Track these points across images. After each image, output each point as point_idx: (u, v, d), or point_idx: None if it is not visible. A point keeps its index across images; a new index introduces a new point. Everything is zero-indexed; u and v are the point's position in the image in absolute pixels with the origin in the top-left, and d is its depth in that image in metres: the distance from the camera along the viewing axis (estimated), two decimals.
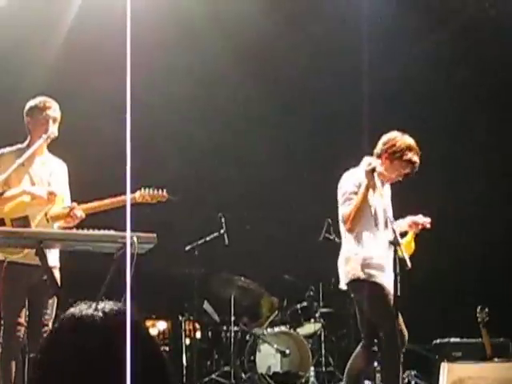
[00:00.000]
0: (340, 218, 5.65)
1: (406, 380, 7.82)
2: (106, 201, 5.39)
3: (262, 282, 8.67)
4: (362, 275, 5.52)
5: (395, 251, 5.23)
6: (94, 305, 1.69)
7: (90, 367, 1.58)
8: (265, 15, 8.45)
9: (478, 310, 7.45)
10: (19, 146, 5.49)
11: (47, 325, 5.25)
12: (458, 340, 7.96)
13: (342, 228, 5.71)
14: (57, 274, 5.30)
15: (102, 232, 4.72)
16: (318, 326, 8.42)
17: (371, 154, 5.71)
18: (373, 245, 5.56)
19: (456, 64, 9.05)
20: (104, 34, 7.34)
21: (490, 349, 7.37)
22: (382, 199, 5.53)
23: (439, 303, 8.97)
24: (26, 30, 8.05)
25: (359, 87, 9.02)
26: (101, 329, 1.64)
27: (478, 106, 9.14)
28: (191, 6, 8.16)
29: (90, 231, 4.74)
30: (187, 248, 8.23)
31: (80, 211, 5.36)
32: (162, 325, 8.83)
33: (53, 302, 5.26)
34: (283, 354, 8.02)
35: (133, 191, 5.47)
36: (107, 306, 1.69)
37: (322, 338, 8.32)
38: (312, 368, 8.09)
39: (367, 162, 5.49)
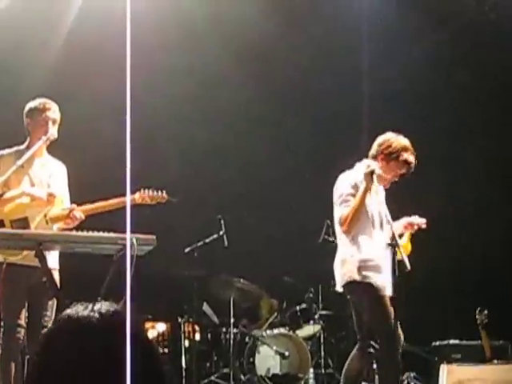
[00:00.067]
0: (337, 219, 5.65)
1: (406, 382, 7.82)
2: (106, 202, 5.39)
3: (261, 284, 8.67)
4: (358, 277, 5.52)
5: (394, 253, 5.24)
6: (90, 306, 1.69)
7: (86, 368, 1.57)
8: (265, 16, 8.46)
9: (477, 312, 7.46)
10: (18, 147, 5.49)
11: (47, 326, 5.24)
12: (457, 342, 7.96)
13: (338, 230, 5.71)
14: (56, 275, 5.29)
15: (101, 234, 4.71)
16: (318, 327, 8.41)
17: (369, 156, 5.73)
18: (369, 246, 5.56)
19: (456, 64, 9.05)
20: (104, 35, 7.33)
21: (490, 351, 7.38)
22: (378, 200, 5.56)
23: (439, 305, 8.97)
24: (25, 31, 8.05)
25: (359, 88, 9.04)
26: (97, 330, 1.63)
27: (478, 106, 9.15)
28: (192, 8, 8.18)
29: (90, 233, 4.74)
30: (187, 250, 8.22)
31: (79, 212, 5.36)
32: (161, 327, 8.82)
33: (52, 304, 5.26)
34: (282, 355, 8.01)
35: (132, 192, 5.47)
36: (103, 307, 1.69)
37: (322, 340, 8.31)
38: (311, 370, 8.08)
39: (366, 164, 5.50)
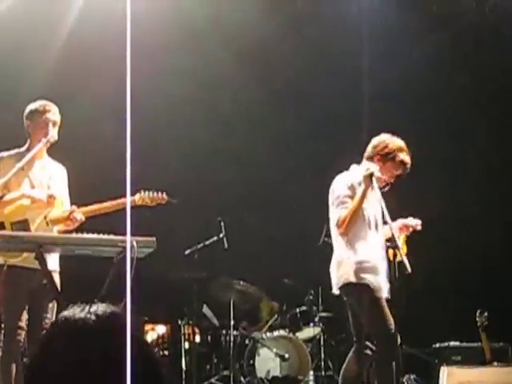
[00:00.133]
0: (334, 221, 5.64)
1: None
2: (106, 204, 5.39)
3: (261, 286, 8.66)
4: (354, 279, 5.52)
5: (394, 255, 5.25)
6: (86, 308, 1.68)
7: (83, 370, 1.57)
8: (266, 18, 8.47)
9: (477, 314, 7.45)
10: (19, 149, 5.49)
11: None
12: (457, 344, 7.96)
13: (334, 232, 5.71)
14: (56, 278, 5.29)
15: (101, 236, 4.71)
16: (318, 330, 8.41)
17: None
18: (365, 248, 5.56)
19: (456, 66, 9.05)
20: (104, 37, 7.33)
21: (490, 353, 7.37)
22: (373, 202, 5.56)
23: (439, 307, 8.96)
24: (26, 33, 8.05)
25: (360, 89, 9.04)
26: (94, 332, 1.63)
27: (479, 107, 9.15)
28: (193, 9, 8.18)
29: (90, 235, 4.74)
30: (187, 252, 8.22)
31: (80, 214, 5.36)
32: (161, 329, 8.82)
33: (53, 306, 5.25)
34: (282, 358, 8.01)
35: (132, 194, 5.47)
36: (100, 308, 1.68)
37: (322, 342, 8.31)
38: (311, 372, 8.08)
39: (366, 167, 5.51)
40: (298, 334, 8.35)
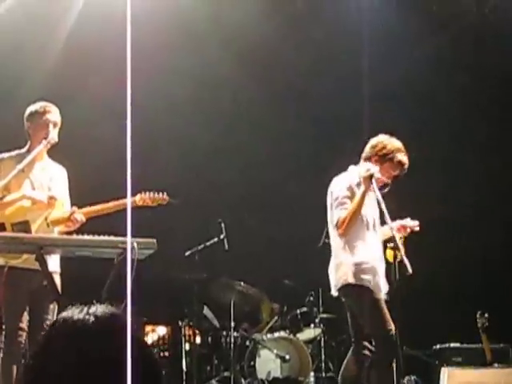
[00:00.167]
0: (333, 222, 5.63)
1: None
2: (107, 204, 5.39)
3: (261, 288, 8.66)
4: (353, 280, 5.52)
5: (395, 256, 5.24)
6: (85, 309, 1.68)
7: (83, 371, 1.57)
8: (267, 19, 8.47)
9: (477, 315, 7.44)
10: (19, 151, 5.49)
11: None
12: (458, 345, 7.95)
13: (333, 233, 5.71)
14: (57, 279, 5.29)
15: (102, 237, 4.71)
16: (318, 331, 8.40)
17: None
18: (363, 249, 5.57)
19: (457, 67, 9.06)
20: (104, 38, 7.33)
21: (490, 354, 7.37)
22: (372, 203, 5.57)
23: (439, 308, 8.95)
24: (25, 35, 8.05)
25: (360, 90, 9.04)
26: (93, 333, 1.63)
27: (479, 109, 9.15)
28: (193, 10, 8.17)
29: (90, 237, 4.74)
30: (187, 253, 8.22)
31: (80, 215, 5.35)
32: (161, 330, 8.82)
33: (54, 308, 5.25)
34: (283, 359, 8.01)
35: (133, 194, 5.48)
36: (99, 309, 1.68)
37: (322, 344, 8.30)
38: (312, 373, 8.08)
39: (365, 167, 5.51)
40: (298, 335, 8.35)
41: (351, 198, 5.52)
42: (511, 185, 9.04)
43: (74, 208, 5.40)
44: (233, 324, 8.16)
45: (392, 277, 5.40)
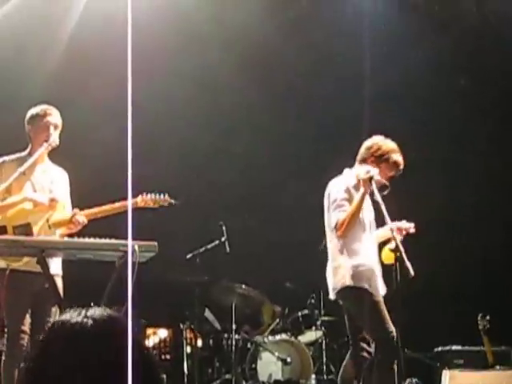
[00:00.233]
0: (331, 224, 5.61)
1: None
2: (108, 206, 5.39)
3: (263, 290, 8.65)
4: (351, 283, 5.51)
5: (396, 259, 5.23)
6: (83, 312, 1.68)
7: (81, 374, 1.57)
8: (268, 21, 8.47)
9: (479, 317, 7.44)
10: (20, 154, 5.49)
11: None
12: (459, 348, 7.94)
13: (330, 235, 5.69)
14: (59, 281, 5.29)
15: (103, 240, 4.71)
16: (320, 333, 8.40)
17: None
18: (361, 251, 5.56)
19: (457, 69, 9.06)
20: (105, 41, 7.33)
21: (492, 357, 7.36)
22: (368, 205, 5.58)
23: (441, 311, 8.95)
24: (26, 37, 8.05)
25: (361, 92, 9.03)
26: (91, 335, 1.63)
27: (479, 110, 9.15)
28: (194, 12, 8.16)
29: (92, 240, 4.74)
30: (188, 256, 8.22)
31: (82, 217, 5.35)
32: (163, 333, 8.82)
33: (56, 310, 5.24)
34: (284, 361, 8.00)
35: (134, 196, 5.48)
36: (97, 312, 1.69)
37: (324, 346, 8.30)
38: (313, 376, 8.07)
39: (364, 169, 5.50)
40: (299, 337, 8.34)
41: (349, 200, 5.52)
42: (511, 185, 9.03)
43: (76, 210, 5.40)
44: (234, 326, 8.15)
45: (393, 279, 5.39)
